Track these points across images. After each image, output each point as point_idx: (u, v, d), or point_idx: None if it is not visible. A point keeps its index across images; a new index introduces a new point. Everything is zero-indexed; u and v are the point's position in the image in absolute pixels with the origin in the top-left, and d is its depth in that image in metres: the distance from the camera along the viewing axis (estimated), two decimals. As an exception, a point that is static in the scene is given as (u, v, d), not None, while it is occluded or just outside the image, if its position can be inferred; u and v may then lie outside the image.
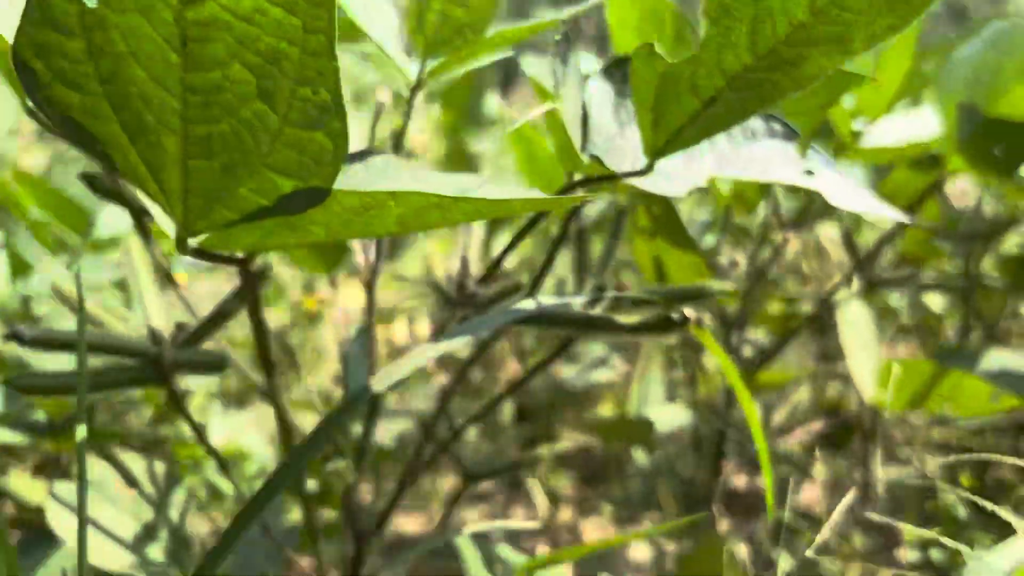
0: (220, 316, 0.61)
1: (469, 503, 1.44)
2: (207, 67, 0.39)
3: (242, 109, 0.40)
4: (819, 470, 1.04)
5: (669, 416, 1.17)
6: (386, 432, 1.12)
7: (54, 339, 0.55)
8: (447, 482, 1.57)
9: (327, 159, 0.39)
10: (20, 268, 1.18)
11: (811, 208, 1.00)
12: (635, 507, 1.36)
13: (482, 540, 0.67)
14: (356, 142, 0.50)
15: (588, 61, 0.84)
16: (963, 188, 1.56)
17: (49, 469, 1.15)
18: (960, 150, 0.97)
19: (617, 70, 0.60)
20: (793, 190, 1.22)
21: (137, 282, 0.63)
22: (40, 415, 1.11)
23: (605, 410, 1.42)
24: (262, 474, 1.16)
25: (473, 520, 1.61)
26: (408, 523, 1.27)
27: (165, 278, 0.69)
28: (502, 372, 1.44)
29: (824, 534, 0.63)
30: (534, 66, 0.74)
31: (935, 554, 0.93)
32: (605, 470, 1.55)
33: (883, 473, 1.27)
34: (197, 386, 1.23)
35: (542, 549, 1.28)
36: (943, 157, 1.02)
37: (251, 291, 0.52)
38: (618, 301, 0.66)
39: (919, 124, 1.00)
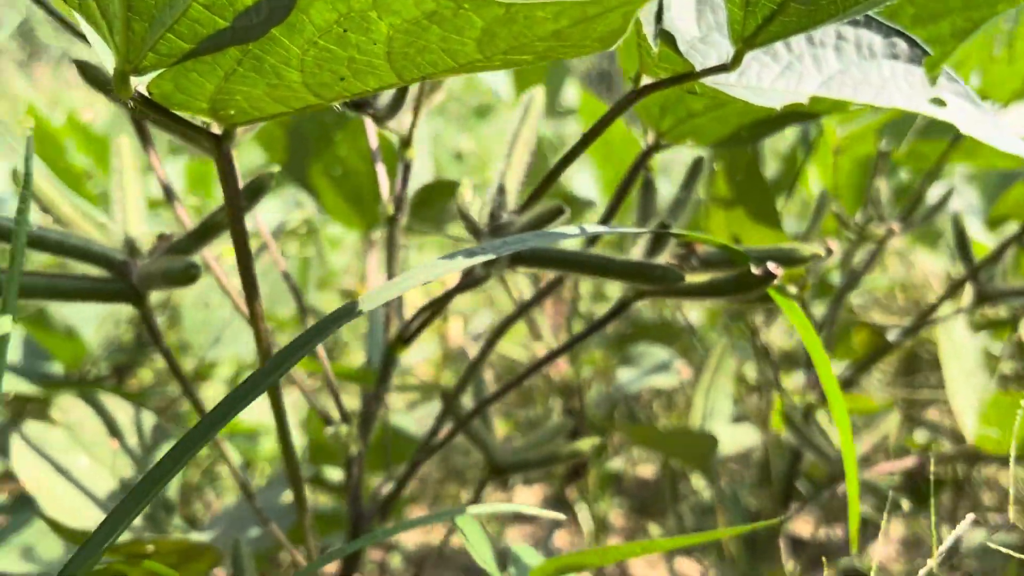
0: (207, 228, 0.51)
1: (509, 522, 1.32)
2: None
3: None
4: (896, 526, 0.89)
5: (736, 436, 1.04)
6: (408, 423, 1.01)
7: (-4, 225, 0.46)
8: (498, 495, 1.45)
9: (294, -51, 0.29)
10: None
11: (919, 204, 0.86)
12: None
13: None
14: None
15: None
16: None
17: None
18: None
19: (704, -37, 0.49)
20: (904, 191, 1.08)
21: (120, 184, 0.54)
22: (57, 367, 1.04)
23: (663, 422, 1.29)
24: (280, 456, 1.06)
25: (514, 541, 1.49)
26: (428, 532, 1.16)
27: (165, 189, 0.60)
28: (552, 374, 1.32)
29: None
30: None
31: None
32: (658, 497, 1.41)
33: (973, 533, 1.11)
34: (226, 357, 1.14)
35: None
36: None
37: (226, 176, 0.42)
38: (686, 258, 0.55)
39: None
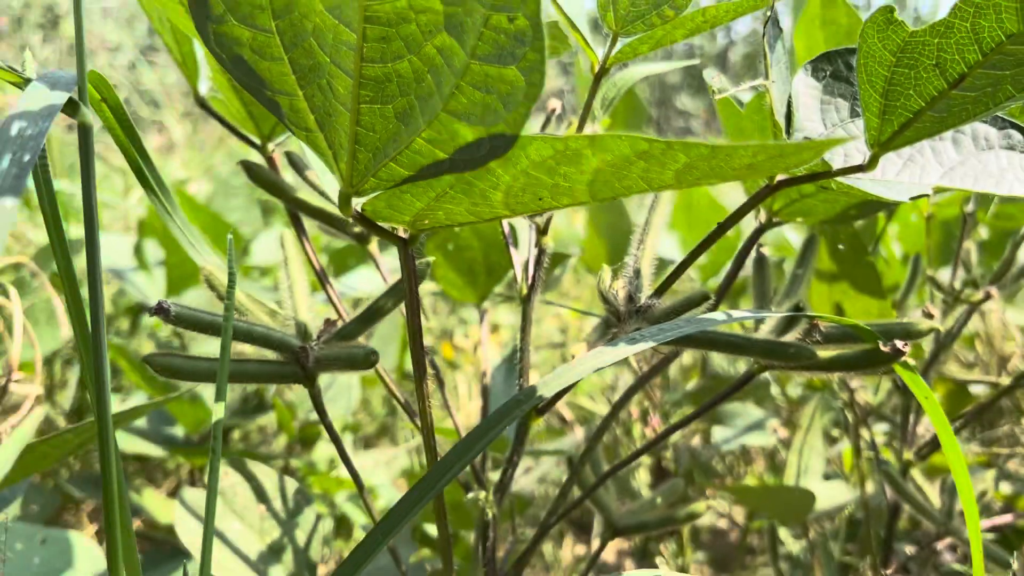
0: (372, 314, 0.57)
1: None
2: (392, -8, 0.34)
3: (426, 44, 0.35)
4: None
5: (829, 493, 1.06)
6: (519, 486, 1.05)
7: (199, 319, 0.51)
8: (577, 549, 1.48)
9: (518, 99, 0.34)
10: (177, 284, 1.19)
11: (1011, 265, 0.89)
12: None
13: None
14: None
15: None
16: None
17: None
18: None
19: (826, 66, 0.54)
20: (985, 248, 1.10)
21: (288, 274, 0.59)
22: (178, 431, 1.10)
23: (753, 480, 1.31)
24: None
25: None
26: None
27: (319, 275, 0.65)
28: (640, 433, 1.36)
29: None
30: (715, 79, 0.68)
31: None
32: (737, 550, 1.43)
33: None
34: (336, 418, 1.19)
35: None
36: None
37: (410, 275, 0.47)
38: (810, 332, 0.58)
39: None
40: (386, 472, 1.21)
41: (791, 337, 0.55)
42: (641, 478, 1.40)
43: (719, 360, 1.54)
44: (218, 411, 0.46)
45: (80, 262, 1.42)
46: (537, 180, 0.36)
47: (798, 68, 0.57)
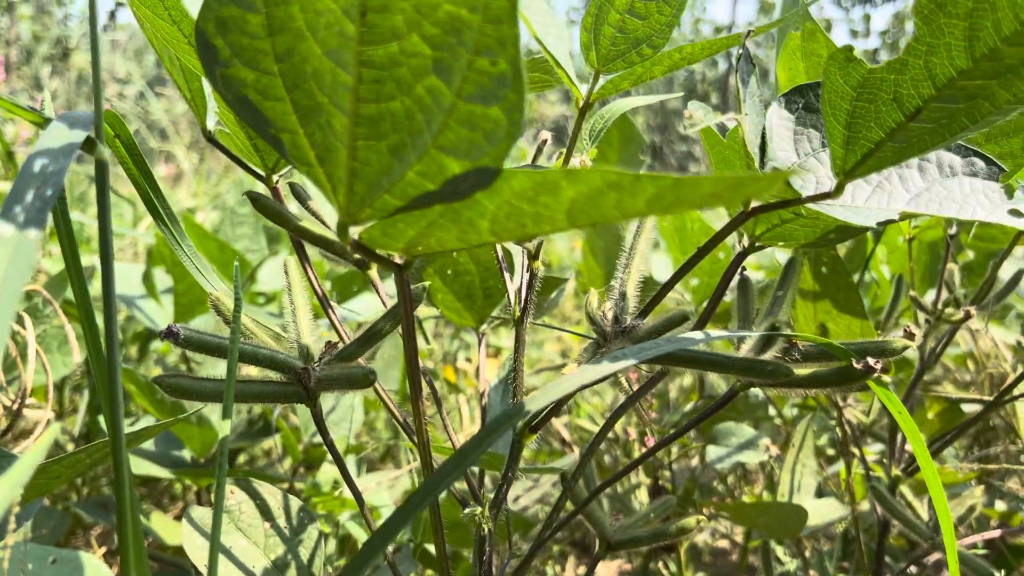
0: (371, 336, 0.59)
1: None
2: (384, 39, 0.37)
3: (416, 85, 0.38)
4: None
5: (821, 510, 1.08)
6: (515, 505, 1.08)
7: (206, 342, 0.54)
8: (580, 570, 1.50)
9: (500, 135, 0.37)
10: (185, 311, 1.22)
11: (993, 286, 0.91)
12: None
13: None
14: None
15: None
16: None
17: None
18: None
19: (799, 98, 0.57)
20: (971, 269, 1.13)
21: (291, 299, 0.62)
22: (186, 454, 1.12)
23: (751, 500, 1.33)
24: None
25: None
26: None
27: (322, 300, 0.68)
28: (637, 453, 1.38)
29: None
30: (696, 111, 0.71)
31: None
32: (736, 569, 1.45)
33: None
34: (338, 439, 1.22)
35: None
36: None
37: (405, 299, 0.50)
38: (788, 351, 0.61)
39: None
40: (389, 493, 1.24)
41: (770, 355, 0.58)
42: (641, 498, 1.43)
43: (717, 381, 1.57)
44: (224, 428, 0.49)
45: (92, 289, 1.45)
46: (520, 209, 0.39)
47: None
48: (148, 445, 1.08)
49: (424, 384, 0.78)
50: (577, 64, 0.58)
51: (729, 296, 0.76)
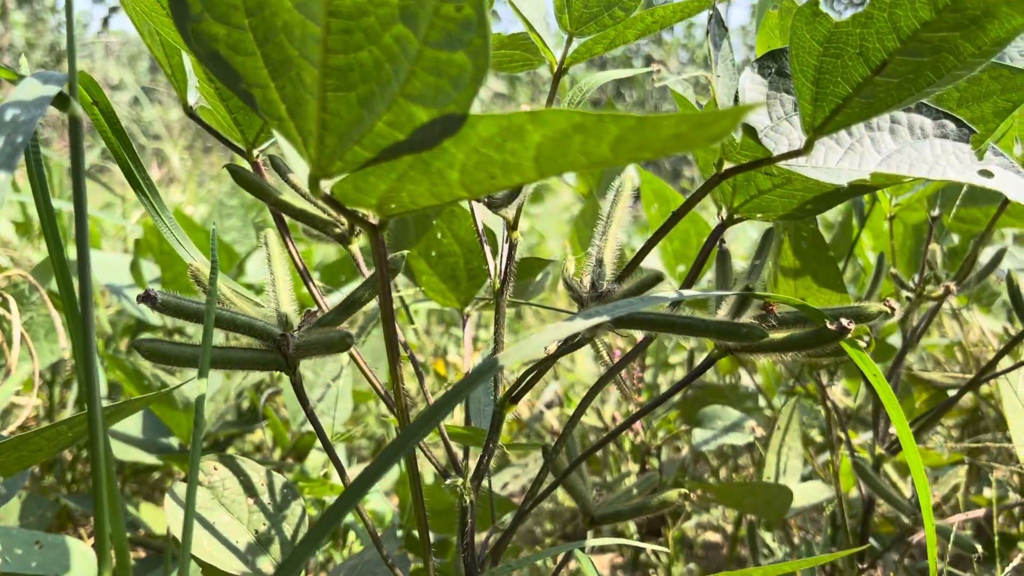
0: (350, 304, 0.60)
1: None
2: (352, -12, 0.38)
3: (384, 34, 0.39)
4: None
5: (807, 491, 1.08)
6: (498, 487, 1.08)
7: (184, 307, 0.54)
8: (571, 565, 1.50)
9: (466, 80, 0.38)
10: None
11: (973, 265, 0.92)
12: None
13: None
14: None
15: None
16: None
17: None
18: None
19: (771, 63, 0.57)
20: (956, 253, 1.14)
21: (271, 269, 0.62)
22: (173, 441, 1.12)
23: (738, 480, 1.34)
24: (378, 519, 1.13)
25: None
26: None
27: (302, 273, 0.68)
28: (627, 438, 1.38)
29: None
30: (674, 83, 0.72)
31: None
32: (729, 560, 1.45)
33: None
34: (325, 427, 1.22)
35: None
36: None
37: (381, 260, 0.50)
38: (764, 318, 0.61)
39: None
40: (379, 485, 1.24)
41: (745, 319, 0.58)
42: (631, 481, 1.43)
43: (710, 371, 1.57)
44: (201, 387, 0.49)
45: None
46: (488, 157, 0.40)
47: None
48: (136, 432, 1.08)
49: (407, 358, 0.78)
50: (557, 32, 0.58)
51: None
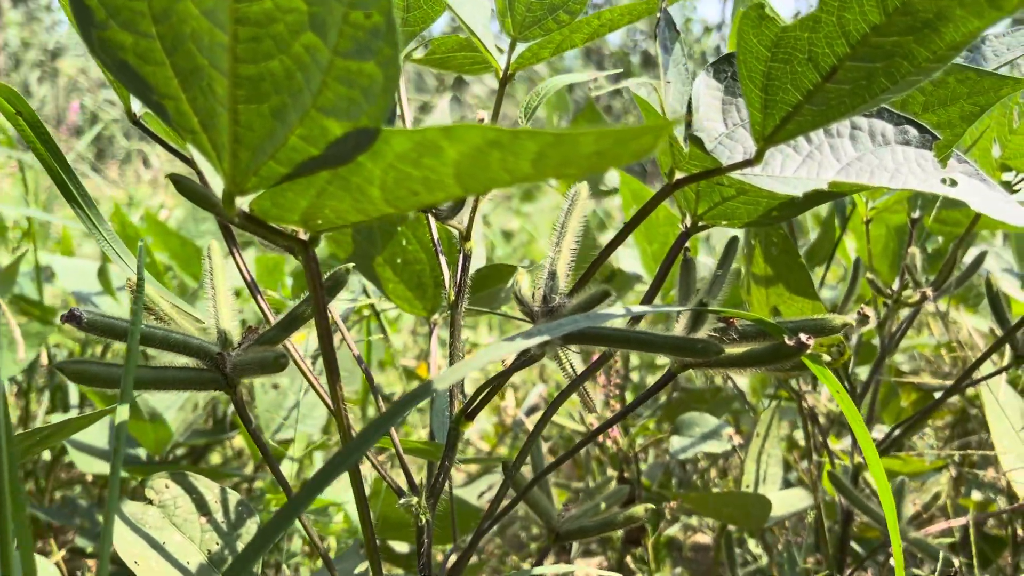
0: (292, 320, 0.57)
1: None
2: (258, -6, 0.36)
3: (294, 42, 0.36)
4: None
5: (787, 499, 1.06)
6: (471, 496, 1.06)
7: (113, 326, 0.52)
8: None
9: (377, 91, 0.35)
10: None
11: (953, 268, 0.89)
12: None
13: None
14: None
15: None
16: None
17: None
18: None
19: (727, 67, 0.55)
20: (940, 254, 1.11)
21: (212, 283, 0.60)
22: (140, 452, 1.10)
23: (717, 489, 1.31)
24: (352, 532, 1.11)
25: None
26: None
27: (250, 285, 0.66)
28: (608, 444, 1.36)
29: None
30: (636, 87, 0.69)
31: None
32: (716, 565, 1.43)
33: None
34: (298, 435, 1.20)
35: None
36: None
37: (313, 277, 0.48)
38: (725, 331, 0.59)
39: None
40: (350, 493, 1.22)
41: (703, 334, 0.56)
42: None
43: (693, 375, 1.55)
44: (122, 413, 0.47)
45: (56, 288, 1.43)
46: (406, 173, 0.37)
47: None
48: (102, 443, 1.05)
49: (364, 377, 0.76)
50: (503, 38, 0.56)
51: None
